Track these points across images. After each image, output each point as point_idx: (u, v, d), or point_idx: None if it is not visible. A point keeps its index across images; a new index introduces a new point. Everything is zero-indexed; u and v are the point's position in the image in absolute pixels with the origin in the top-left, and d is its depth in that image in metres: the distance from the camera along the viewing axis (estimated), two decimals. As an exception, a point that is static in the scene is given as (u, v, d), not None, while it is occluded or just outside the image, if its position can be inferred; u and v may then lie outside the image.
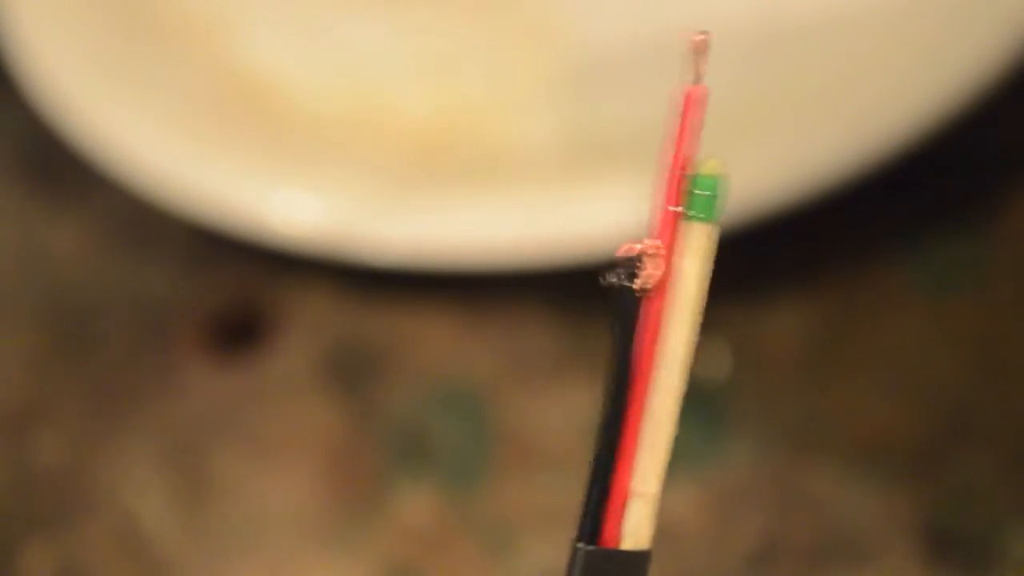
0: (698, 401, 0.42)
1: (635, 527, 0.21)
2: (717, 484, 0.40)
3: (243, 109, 0.47)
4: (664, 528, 0.41)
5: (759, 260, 0.44)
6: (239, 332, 0.45)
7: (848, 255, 0.44)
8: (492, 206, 0.42)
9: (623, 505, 0.21)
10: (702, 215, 0.20)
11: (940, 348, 0.42)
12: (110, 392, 0.44)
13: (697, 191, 0.20)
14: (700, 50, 0.20)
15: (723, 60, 0.50)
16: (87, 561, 0.41)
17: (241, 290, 0.45)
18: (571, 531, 0.40)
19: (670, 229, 0.20)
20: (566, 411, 0.42)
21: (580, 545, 0.20)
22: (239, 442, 0.42)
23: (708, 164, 0.20)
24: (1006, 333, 0.42)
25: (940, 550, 0.38)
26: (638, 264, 0.20)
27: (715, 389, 0.42)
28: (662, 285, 0.20)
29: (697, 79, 0.20)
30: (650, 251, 0.20)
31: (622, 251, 0.20)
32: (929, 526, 0.39)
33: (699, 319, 0.20)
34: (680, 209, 0.20)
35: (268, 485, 0.42)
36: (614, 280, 0.20)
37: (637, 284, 0.20)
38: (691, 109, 0.20)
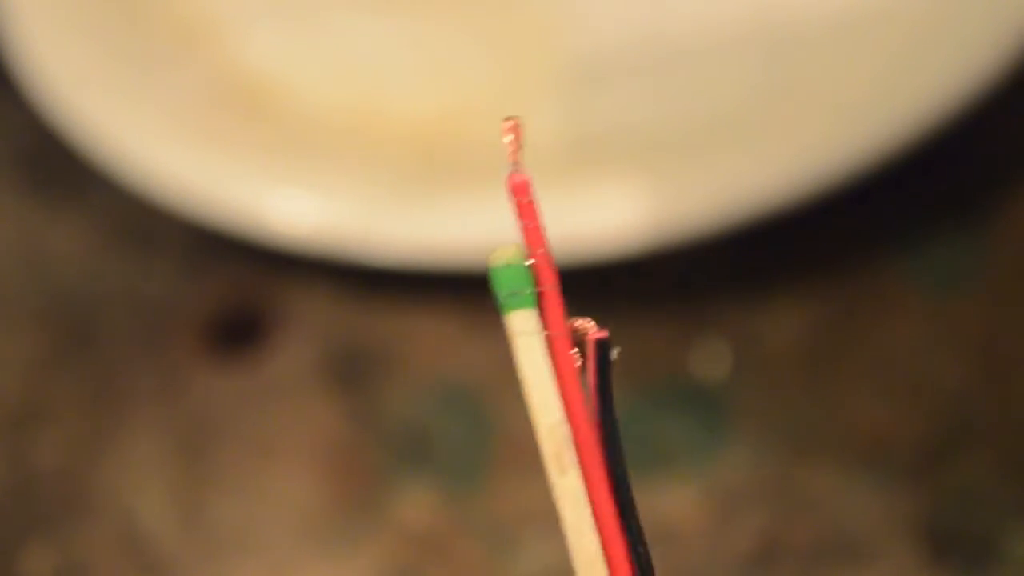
0: (698, 401, 0.42)
1: None
2: (717, 484, 0.40)
3: (243, 109, 0.47)
4: (664, 528, 0.41)
5: (759, 260, 0.44)
6: (239, 332, 0.45)
7: (848, 255, 0.44)
8: (492, 206, 0.42)
9: None
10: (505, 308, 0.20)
11: (940, 348, 0.42)
12: (110, 392, 0.44)
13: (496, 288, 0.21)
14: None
15: (723, 60, 0.51)
16: (87, 561, 0.41)
17: (241, 290, 0.45)
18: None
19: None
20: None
21: None
22: (239, 442, 0.42)
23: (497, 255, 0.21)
24: (1006, 333, 0.42)
25: (940, 550, 0.38)
26: None
27: (715, 389, 0.42)
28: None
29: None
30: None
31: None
32: (929, 526, 0.39)
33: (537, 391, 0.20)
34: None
35: (268, 485, 0.42)
36: None
37: None
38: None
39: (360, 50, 0.49)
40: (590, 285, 0.43)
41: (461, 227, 0.42)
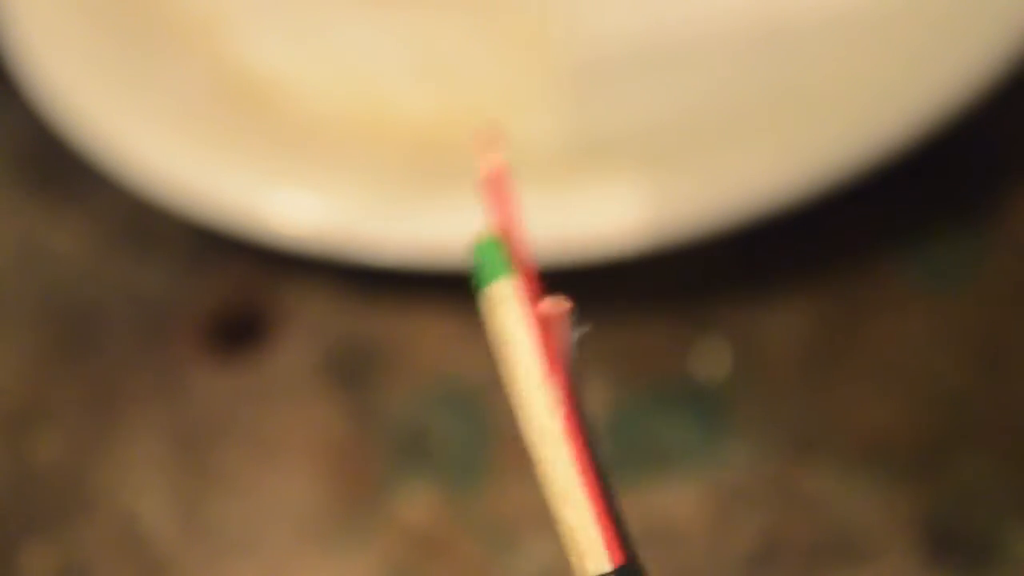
0: (698, 401, 0.42)
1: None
2: (717, 484, 0.40)
3: (243, 109, 0.47)
4: (664, 528, 0.41)
5: (759, 260, 0.44)
6: (239, 332, 0.45)
7: (848, 255, 0.44)
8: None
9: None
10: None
11: (940, 348, 0.42)
12: (110, 392, 0.44)
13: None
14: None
15: (723, 60, 0.51)
16: (87, 561, 0.41)
17: (241, 290, 0.45)
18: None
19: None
20: (566, 411, 0.42)
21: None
22: (239, 442, 0.43)
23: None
24: (1006, 332, 0.42)
25: (940, 550, 0.38)
26: None
27: (715, 389, 0.42)
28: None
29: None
30: None
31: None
32: (929, 526, 0.39)
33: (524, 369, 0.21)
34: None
35: (268, 484, 0.42)
36: None
37: None
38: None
39: (361, 50, 0.49)
40: (590, 285, 0.43)
41: (462, 227, 0.42)
